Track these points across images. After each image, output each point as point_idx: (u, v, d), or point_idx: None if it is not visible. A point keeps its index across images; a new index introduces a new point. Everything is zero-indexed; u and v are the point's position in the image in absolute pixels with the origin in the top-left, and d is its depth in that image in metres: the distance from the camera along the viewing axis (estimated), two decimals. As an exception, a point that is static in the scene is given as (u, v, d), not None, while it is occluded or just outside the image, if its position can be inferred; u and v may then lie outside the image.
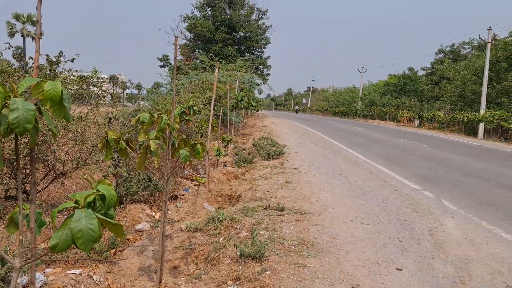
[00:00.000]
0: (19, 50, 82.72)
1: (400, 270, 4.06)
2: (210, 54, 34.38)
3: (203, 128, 9.71)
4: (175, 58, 4.53)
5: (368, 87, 64.78)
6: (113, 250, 5.13)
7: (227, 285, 3.80)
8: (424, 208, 6.58)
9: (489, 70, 29.98)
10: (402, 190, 7.91)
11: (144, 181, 6.97)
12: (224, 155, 13.63)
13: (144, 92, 24.40)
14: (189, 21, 37.45)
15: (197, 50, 38.35)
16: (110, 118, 7.24)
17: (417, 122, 40.68)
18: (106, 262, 4.84)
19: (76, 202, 1.92)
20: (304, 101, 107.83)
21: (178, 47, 27.93)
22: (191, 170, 10.97)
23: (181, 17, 37.76)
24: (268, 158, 11.27)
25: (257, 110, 21.62)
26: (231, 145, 15.64)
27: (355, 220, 5.70)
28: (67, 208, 1.92)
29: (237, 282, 3.79)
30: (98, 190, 2.04)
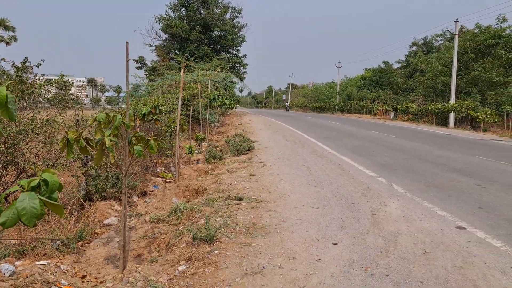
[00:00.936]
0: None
1: (336, 244, 4.56)
2: (186, 54, 34.64)
3: (172, 127, 10.09)
4: (127, 61, 4.92)
5: (346, 82, 65.86)
6: (80, 243, 5.51)
7: (180, 264, 4.24)
8: (374, 192, 7.13)
9: (457, 61, 31.05)
10: (358, 177, 8.47)
11: (112, 179, 7.34)
12: (198, 153, 14.04)
13: (123, 94, 24.54)
14: (163, 21, 37.58)
15: (172, 50, 38.52)
16: (78, 120, 7.58)
17: (392, 114, 41.75)
18: (74, 253, 5.22)
19: (22, 186, 2.34)
20: (284, 97, 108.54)
21: (154, 48, 28.26)
22: (163, 168, 11.35)
23: (155, 18, 37.85)
24: (238, 153, 11.72)
25: (232, 108, 22.04)
26: (205, 143, 16.04)
27: (306, 205, 6.20)
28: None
29: (189, 262, 4.23)
30: (42, 178, 2.46)
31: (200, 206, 6.21)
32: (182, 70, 10.13)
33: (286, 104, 71.66)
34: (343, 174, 8.82)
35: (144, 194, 8.37)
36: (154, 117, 9.35)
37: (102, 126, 4.64)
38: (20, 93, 7.13)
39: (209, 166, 10.81)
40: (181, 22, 36.93)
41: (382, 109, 44.22)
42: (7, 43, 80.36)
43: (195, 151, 13.99)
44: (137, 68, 40.80)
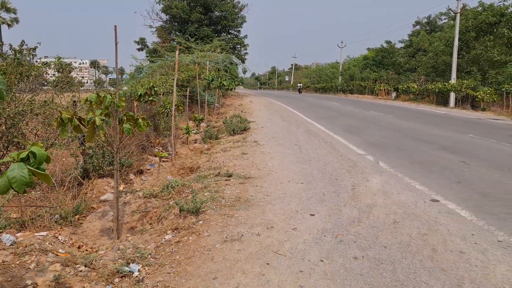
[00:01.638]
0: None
1: (313, 215, 4.89)
2: (186, 36, 34.64)
3: (167, 108, 10.37)
4: (116, 44, 5.16)
5: (348, 62, 65.51)
6: (77, 216, 5.87)
7: (167, 233, 4.59)
8: (359, 169, 7.43)
9: (459, 40, 30.87)
10: (347, 155, 8.76)
11: (108, 157, 7.67)
12: (196, 133, 14.36)
13: (126, 76, 24.77)
14: (164, 2, 37.45)
15: (173, 31, 38.49)
16: (75, 101, 7.88)
17: (393, 94, 41.71)
18: (71, 226, 5.59)
19: (13, 158, 2.65)
20: (287, 78, 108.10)
21: (155, 29, 28.31)
22: (160, 148, 11.68)
23: (155, -1, 37.68)
24: (233, 133, 12.01)
25: (231, 89, 22.23)
26: (203, 124, 16.33)
27: (292, 180, 6.52)
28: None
29: (175, 231, 4.58)
30: (31, 151, 2.77)
31: (191, 182, 6.54)
32: (177, 52, 10.33)
33: (299, 85, 65.69)
34: (332, 152, 9.11)
35: (140, 172, 8.72)
36: (150, 98, 9.66)
37: (94, 106, 4.93)
38: (19, 75, 7.41)
39: (205, 145, 11.12)
40: (181, 3, 36.80)
41: (384, 89, 44.18)
42: (9, 25, 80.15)
43: (193, 132, 14.32)
44: (138, 49, 40.90)
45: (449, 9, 33.49)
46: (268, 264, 3.62)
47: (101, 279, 3.75)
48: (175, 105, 11.33)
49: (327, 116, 18.18)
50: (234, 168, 7.44)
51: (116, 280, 3.73)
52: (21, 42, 7.33)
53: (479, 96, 25.38)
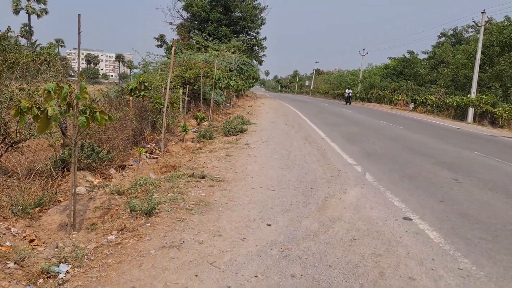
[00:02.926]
0: (26, 27, 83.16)
1: (269, 225, 4.61)
2: (205, 35, 34.66)
3: (158, 104, 10.23)
4: (79, 33, 5.01)
5: (369, 70, 64.59)
6: (37, 208, 5.74)
7: (112, 234, 4.40)
8: (341, 179, 7.11)
9: (482, 54, 29.96)
10: (335, 164, 8.43)
11: (87, 150, 7.56)
12: (195, 132, 14.20)
13: (136, 70, 24.90)
14: (185, 0, 37.60)
15: (193, 30, 38.59)
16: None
17: (411, 105, 40.82)
18: (29, 218, 5.46)
19: None
20: (307, 83, 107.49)
21: (175, 26, 28.33)
22: (153, 144, 11.56)
23: (177, -3, 37.88)
24: (228, 134, 11.80)
25: (239, 90, 22.04)
26: (206, 123, 16.18)
27: (264, 187, 6.25)
28: None
29: (120, 232, 4.39)
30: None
31: (161, 181, 6.35)
32: (173, 49, 10.18)
33: (347, 92, 45.15)
34: (321, 160, 8.79)
35: (123, 167, 8.58)
36: (141, 93, 9.53)
37: (55, 96, 4.78)
38: (4, 61, 7.37)
39: (197, 144, 10.94)
40: (202, 2, 36.86)
41: (403, 100, 43.28)
42: (38, 16, 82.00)
43: (193, 130, 14.17)
44: (158, 46, 41.20)
45: (473, 22, 32.46)
46: (196, 276, 3.38)
47: (25, 278, 3.57)
48: (170, 102, 11.22)
49: (333, 123, 17.78)
50: (212, 169, 7.22)
51: (41, 280, 3.55)
52: (7, 28, 7.29)
53: (497, 113, 24.51)
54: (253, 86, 38.67)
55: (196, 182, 6.28)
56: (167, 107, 11.08)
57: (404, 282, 3.44)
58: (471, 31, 50.32)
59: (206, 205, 5.16)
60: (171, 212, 4.83)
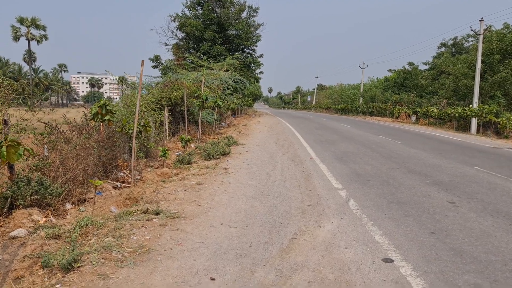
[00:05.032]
0: (28, 54, 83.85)
1: (213, 280, 3.75)
2: (199, 54, 34.24)
3: (126, 128, 9.48)
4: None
5: (370, 84, 63.96)
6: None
7: (15, 298, 3.56)
8: (319, 209, 6.24)
9: (482, 62, 29.18)
10: (317, 190, 7.57)
11: (35, 184, 6.76)
12: (179, 155, 13.41)
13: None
14: (179, 20, 37.38)
15: (188, 49, 38.25)
16: (5, 120, 7.06)
17: (413, 118, 39.92)
18: None
19: None
20: (309, 98, 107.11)
21: (170, 46, 27.86)
22: (127, 172, 10.77)
23: (171, 17, 37.71)
24: (209, 158, 11.00)
25: (230, 109, 21.31)
26: (192, 145, 15.41)
27: (225, 223, 5.40)
28: None
29: (25, 295, 3.54)
30: None
31: (108, 220, 5.52)
32: (141, 68, 9.46)
33: None
34: (302, 185, 7.93)
35: (82, 201, 7.77)
36: (106, 118, 8.77)
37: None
38: None
39: (173, 171, 10.13)
40: (196, 21, 36.58)
41: (404, 112, 42.41)
42: (38, 42, 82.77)
43: (177, 154, 13.39)
44: (153, 67, 40.82)
45: (471, 30, 31.72)
46: None
47: None
48: (143, 126, 10.48)
49: (327, 140, 16.93)
50: (172, 203, 6.38)
51: None
52: None
53: (501, 123, 23.54)
54: (250, 104, 38.07)
55: (147, 220, 5.44)
56: (140, 131, 10.35)
57: None
58: (471, 40, 49.57)
59: (145, 253, 4.31)
60: (96, 265, 3.98)
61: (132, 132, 9.60)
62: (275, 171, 9.27)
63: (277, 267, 4.03)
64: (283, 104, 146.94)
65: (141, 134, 10.39)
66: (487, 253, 4.62)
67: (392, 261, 4.30)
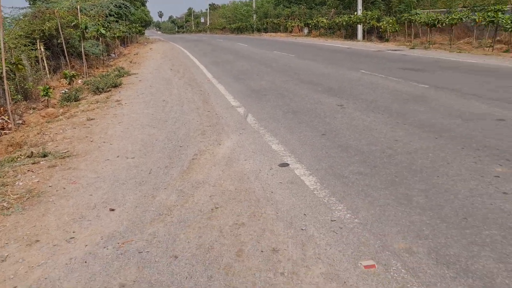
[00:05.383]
0: None
1: (113, 210, 3.66)
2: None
3: (-6, 69, 8.30)
4: None
5: (262, -1, 63.14)
6: None
7: None
8: (219, 128, 6.28)
9: (362, -31, 30.11)
10: (215, 110, 7.57)
11: None
12: (65, 93, 12.30)
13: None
14: None
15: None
16: None
17: (305, 30, 40.87)
18: None
19: None
20: (202, 20, 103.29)
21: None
22: (6, 117, 9.67)
23: None
24: (98, 92, 10.27)
25: (116, 37, 19.72)
26: (80, 81, 14.17)
27: (122, 155, 5.20)
28: None
29: None
30: None
31: (-13, 170, 4.98)
32: (-3, -4, 8.09)
33: None
34: (201, 107, 7.86)
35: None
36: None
37: None
38: None
39: (60, 110, 9.31)
40: None
41: (297, 25, 43.13)
42: None
43: (62, 91, 12.25)
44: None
45: None
46: (-23, 321, 2.37)
47: None
48: (13, 64, 9.28)
49: (224, 61, 16.74)
50: (61, 142, 5.93)
51: None
52: None
53: (382, 27, 25.18)
54: (140, 31, 35.60)
55: (33, 164, 5.01)
56: (10, 70, 9.19)
57: (264, 258, 2.76)
58: None
59: (34, 197, 4.01)
60: (-22, 218, 3.63)
61: (1, 73, 8.48)
62: (171, 97, 9.01)
63: (178, 188, 4.05)
64: (176, 29, 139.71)
65: (14, 73, 9.22)
66: (369, 144, 5.12)
67: (287, 165, 4.56)
